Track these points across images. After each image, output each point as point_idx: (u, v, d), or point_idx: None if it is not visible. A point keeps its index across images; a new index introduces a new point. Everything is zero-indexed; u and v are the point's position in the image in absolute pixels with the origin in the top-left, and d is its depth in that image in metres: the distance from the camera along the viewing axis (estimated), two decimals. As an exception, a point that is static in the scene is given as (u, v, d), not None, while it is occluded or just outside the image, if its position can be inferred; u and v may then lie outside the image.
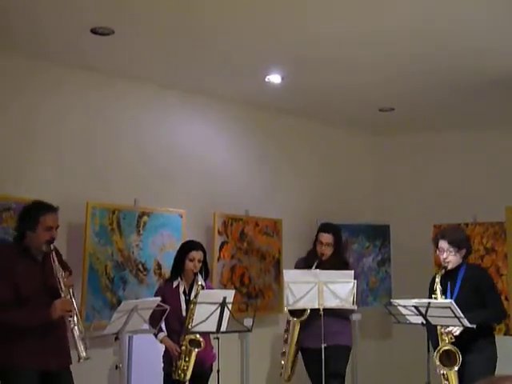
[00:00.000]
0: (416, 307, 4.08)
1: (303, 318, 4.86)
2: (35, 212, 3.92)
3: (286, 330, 5.07)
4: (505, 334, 6.00)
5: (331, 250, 5.15)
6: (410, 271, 6.65)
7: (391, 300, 4.39)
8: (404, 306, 4.17)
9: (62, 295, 3.82)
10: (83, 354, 3.80)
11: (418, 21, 4.18)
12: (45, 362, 3.83)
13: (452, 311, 3.96)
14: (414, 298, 4.16)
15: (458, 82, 5.38)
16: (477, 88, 5.50)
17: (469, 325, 4.05)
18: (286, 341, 5.02)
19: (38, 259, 3.94)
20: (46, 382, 3.88)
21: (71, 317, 3.82)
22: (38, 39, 4.53)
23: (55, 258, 3.86)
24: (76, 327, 3.83)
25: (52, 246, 3.88)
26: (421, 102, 6.03)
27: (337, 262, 5.04)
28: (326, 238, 5.16)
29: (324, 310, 4.64)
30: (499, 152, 6.70)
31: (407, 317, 4.22)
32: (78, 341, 3.80)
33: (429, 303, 4.04)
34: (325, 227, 5.28)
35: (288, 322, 5.08)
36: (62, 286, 3.83)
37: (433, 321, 4.09)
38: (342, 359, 5.06)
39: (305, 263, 5.10)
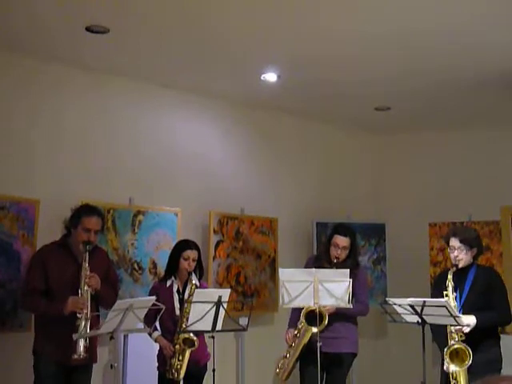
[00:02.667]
0: (411, 306, 4.08)
1: (321, 327, 4.56)
2: (79, 213, 4.28)
3: (291, 346, 4.82)
4: (501, 333, 5.98)
5: (346, 253, 4.87)
6: (405, 270, 6.65)
7: (387, 299, 4.38)
8: (399, 305, 4.16)
9: (80, 293, 4.07)
10: (81, 352, 3.96)
11: (416, 21, 4.18)
12: (62, 354, 4.05)
13: (447, 310, 3.96)
14: (409, 296, 4.16)
15: (455, 82, 5.39)
16: (473, 88, 5.51)
17: (464, 324, 4.06)
18: (291, 345, 4.81)
19: (76, 257, 4.23)
20: (67, 376, 4.19)
21: (80, 314, 4.00)
22: (34, 38, 4.52)
23: (87, 258, 4.13)
24: (81, 326, 3.98)
25: (88, 247, 4.16)
26: (417, 102, 6.03)
27: (350, 266, 4.70)
28: (343, 241, 4.85)
29: (333, 315, 4.63)
30: (495, 152, 6.70)
31: (403, 316, 4.21)
32: (78, 339, 3.96)
33: (424, 302, 4.03)
34: (341, 230, 4.91)
35: (292, 329, 4.86)
36: (82, 285, 4.07)
37: (428, 320, 4.09)
38: (344, 369, 4.90)
39: (316, 264, 4.83)
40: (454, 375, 4.12)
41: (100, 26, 4.28)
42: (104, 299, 4.28)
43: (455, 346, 4.11)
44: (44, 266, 4.20)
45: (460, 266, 4.34)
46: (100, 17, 4.16)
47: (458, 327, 4.13)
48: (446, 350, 4.11)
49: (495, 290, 4.33)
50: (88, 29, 4.31)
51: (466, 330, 4.13)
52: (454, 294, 4.28)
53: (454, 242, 4.35)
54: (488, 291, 4.30)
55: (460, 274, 4.35)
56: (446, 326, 4.15)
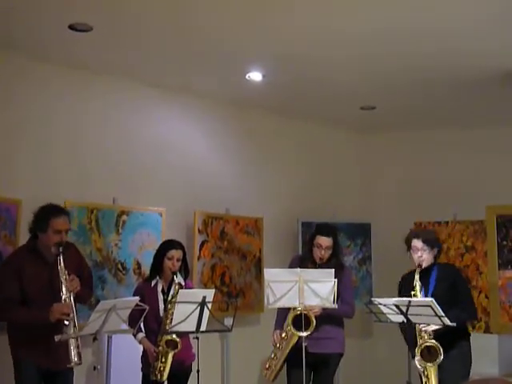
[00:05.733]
0: (397, 306, 4.08)
1: (308, 333, 4.52)
2: (46, 215, 4.05)
3: (278, 348, 4.80)
4: (484, 332, 6.02)
5: (329, 253, 4.83)
6: (391, 270, 6.61)
7: (372, 299, 4.39)
8: (385, 305, 4.17)
9: (63, 298, 3.93)
10: (75, 358, 3.89)
11: (402, 21, 4.18)
12: (44, 360, 4.00)
13: (433, 309, 3.97)
14: (394, 296, 4.16)
15: (440, 81, 5.39)
16: (459, 88, 5.52)
17: (449, 323, 4.06)
18: (278, 347, 4.79)
19: (48, 260, 4.07)
20: (48, 380, 4.10)
21: (68, 321, 3.90)
22: (18, 36, 4.46)
23: (61, 261, 3.97)
24: (71, 331, 3.89)
25: (61, 249, 3.99)
26: (402, 101, 6.03)
27: (334, 266, 4.66)
28: (326, 241, 4.80)
29: (320, 316, 4.62)
30: (480, 151, 6.71)
31: (388, 315, 4.22)
32: (71, 345, 3.88)
33: (409, 302, 4.04)
34: (323, 230, 4.87)
35: (279, 330, 4.84)
36: (64, 289, 3.95)
37: (413, 319, 4.10)
38: (331, 369, 4.88)
39: (300, 263, 4.81)
40: (426, 373, 4.18)
41: (83, 24, 4.23)
42: (82, 297, 4.22)
43: (427, 344, 4.17)
44: (18, 274, 4.00)
45: (424, 265, 4.46)
46: (83, 15, 4.12)
47: (422, 326, 4.21)
48: (417, 347, 4.18)
49: (459, 287, 4.48)
50: (71, 27, 4.26)
51: (432, 327, 4.20)
52: (421, 293, 4.36)
53: (417, 243, 4.51)
54: (454, 287, 4.44)
55: (423, 274, 4.45)
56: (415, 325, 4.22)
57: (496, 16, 4.08)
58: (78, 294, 4.11)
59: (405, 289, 4.50)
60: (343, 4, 3.97)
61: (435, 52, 4.73)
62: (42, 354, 3.99)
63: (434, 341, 4.16)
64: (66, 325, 3.89)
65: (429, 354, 4.17)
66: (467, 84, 5.41)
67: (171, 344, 4.32)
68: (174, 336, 4.30)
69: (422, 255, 4.47)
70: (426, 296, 4.35)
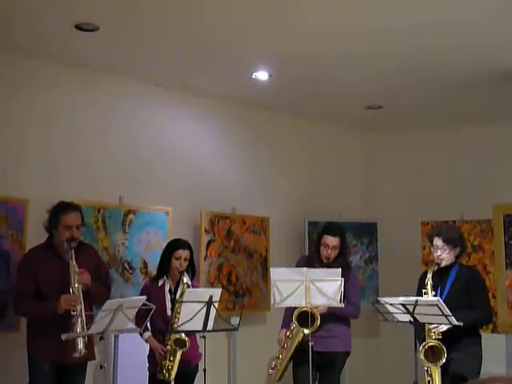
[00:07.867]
0: (403, 305, 4.07)
1: (313, 329, 4.55)
2: (56, 212, 4.25)
3: (283, 347, 4.80)
4: (492, 332, 6.00)
5: (336, 253, 4.83)
6: (397, 269, 6.64)
7: (378, 298, 4.38)
8: (391, 304, 4.16)
9: (71, 291, 4.06)
10: (82, 349, 3.96)
11: (407, 19, 4.17)
12: (58, 353, 4.08)
13: (439, 309, 3.96)
14: (401, 295, 4.15)
15: (446, 80, 5.38)
16: (465, 86, 5.49)
17: (456, 323, 4.05)
18: (283, 346, 4.79)
19: (63, 257, 4.22)
20: (61, 374, 4.20)
21: (74, 311, 3.99)
22: (23, 36, 4.47)
23: (73, 256, 4.12)
24: (78, 323, 3.98)
25: (72, 244, 4.14)
26: (409, 101, 6.02)
27: (340, 265, 4.63)
28: (333, 241, 4.82)
29: (326, 315, 4.62)
30: (487, 150, 6.69)
31: (395, 315, 4.21)
32: (77, 337, 3.96)
33: (416, 301, 4.03)
34: (331, 229, 4.88)
35: (285, 329, 4.83)
36: (73, 283, 4.07)
37: (420, 319, 4.09)
38: (338, 368, 4.87)
39: (307, 263, 4.80)
40: (430, 372, 4.16)
41: (89, 24, 4.24)
42: (96, 296, 4.26)
43: (430, 344, 4.16)
44: (32, 269, 4.20)
45: (442, 264, 4.41)
46: (89, 14, 4.12)
47: (434, 326, 4.16)
48: (421, 347, 4.17)
49: (476, 289, 4.39)
50: (77, 26, 4.27)
51: (443, 328, 4.16)
52: (433, 292, 4.31)
53: (438, 242, 4.42)
54: (469, 290, 4.36)
55: (442, 273, 4.42)
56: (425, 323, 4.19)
57: (497, 12, 4.07)
58: (90, 291, 4.18)
59: (422, 287, 4.43)
60: (347, 3, 3.96)
61: (443, 50, 4.71)
62: (54, 349, 4.07)
63: (437, 341, 4.14)
64: (73, 315, 3.97)
65: (433, 354, 4.16)
66: (474, 82, 5.38)
67: (180, 343, 4.33)
68: (183, 335, 4.31)
69: (442, 254, 4.39)
70: (441, 295, 4.31)
